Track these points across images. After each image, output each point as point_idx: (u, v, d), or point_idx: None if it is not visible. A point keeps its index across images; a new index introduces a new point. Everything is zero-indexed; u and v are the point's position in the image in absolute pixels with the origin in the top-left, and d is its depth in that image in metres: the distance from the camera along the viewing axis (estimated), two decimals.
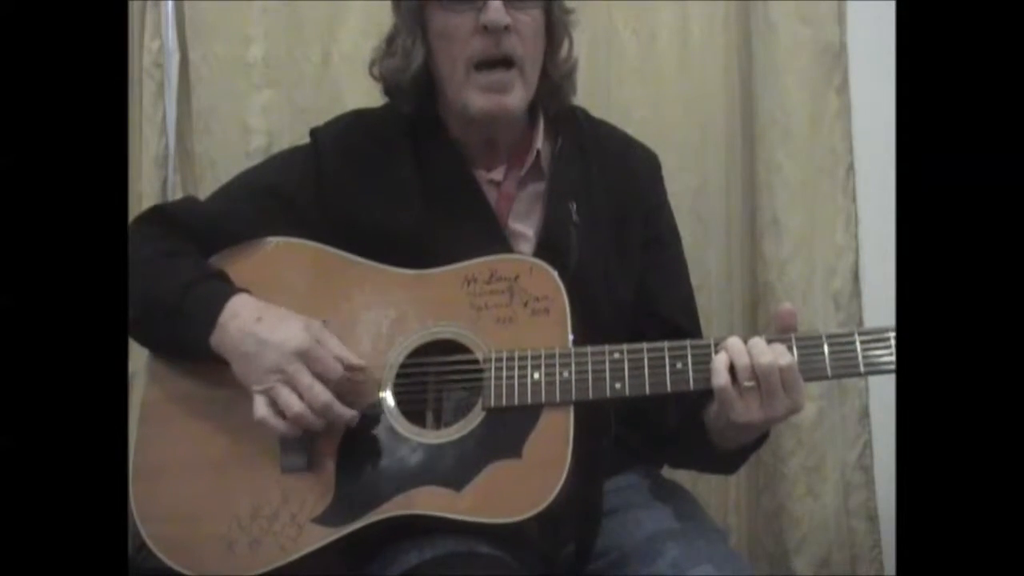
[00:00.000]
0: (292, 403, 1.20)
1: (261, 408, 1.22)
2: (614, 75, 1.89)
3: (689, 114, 1.90)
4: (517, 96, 1.33)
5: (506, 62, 1.31)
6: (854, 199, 1.91)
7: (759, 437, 1.27)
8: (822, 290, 1.89)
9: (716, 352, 1.19)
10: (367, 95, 1.51)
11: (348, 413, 1.22)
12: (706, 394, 1.20)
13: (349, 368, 1.24)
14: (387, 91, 1.42)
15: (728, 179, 1.92)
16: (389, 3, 1.41)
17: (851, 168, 1.91)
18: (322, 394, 1.21)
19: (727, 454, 1.29)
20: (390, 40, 1.40)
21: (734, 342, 1.18)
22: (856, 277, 1.90)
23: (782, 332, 1.20)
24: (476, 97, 1.32)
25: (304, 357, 1.21)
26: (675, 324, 1.40)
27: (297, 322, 1.24)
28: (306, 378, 1.21)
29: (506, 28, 1.29)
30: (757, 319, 1.90)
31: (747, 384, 1.16)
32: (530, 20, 1.33)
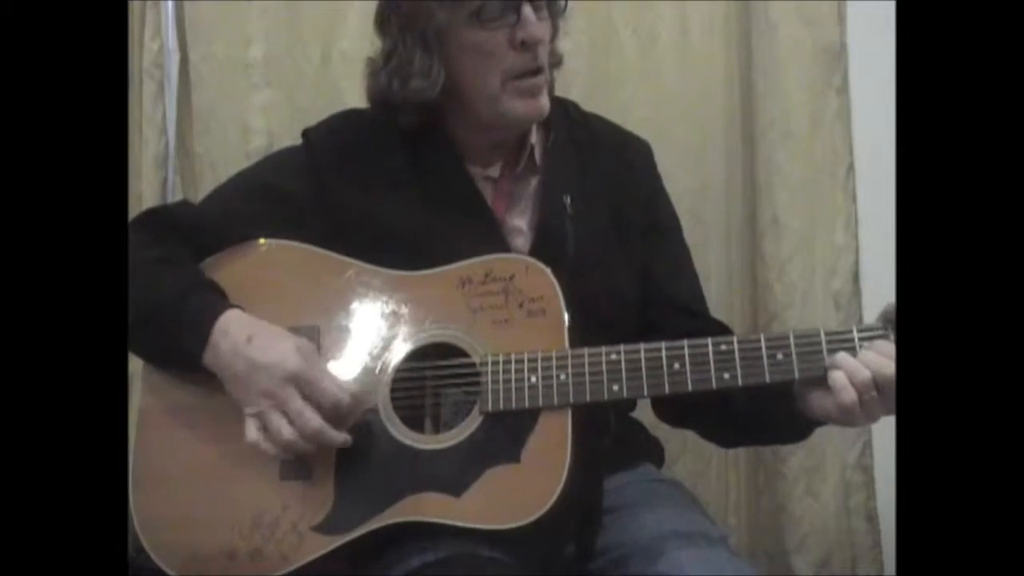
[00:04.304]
0: (282, 429, 1.19)
1: (252, 432, 1.21)
2: (614, 75, 1.89)
3: (689, 114, 1.89)
4: (546, 96, 1.34)
5: (539, 70, 1.32)
6: (854, 199, 1.90)
7: None
8: (822, 290, 1.89)
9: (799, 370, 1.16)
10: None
11: (339, 438, 1.21)
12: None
13: (338, 402, 1.21)
14: (385, 107, 1.38)
15: (728, 179, 1.92)
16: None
17: (851, 168, 1.90)
18: (312, 420, 1.19)
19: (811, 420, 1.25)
20: (387, 56, 1.35)
21: (845, 359, 1.15)
22: (856, 277, 1.90)
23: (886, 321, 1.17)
24: (516, 104, 1.32)
25: (296, 381, 1.20)
26: (687, 308, 1.41)
27: (289, 343, 1.23)
28: (297, 403, 1.20)
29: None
30: (757, 319, 1.90)
31: (868, 397, 1.14)
32: (548, 23, 1.33)
